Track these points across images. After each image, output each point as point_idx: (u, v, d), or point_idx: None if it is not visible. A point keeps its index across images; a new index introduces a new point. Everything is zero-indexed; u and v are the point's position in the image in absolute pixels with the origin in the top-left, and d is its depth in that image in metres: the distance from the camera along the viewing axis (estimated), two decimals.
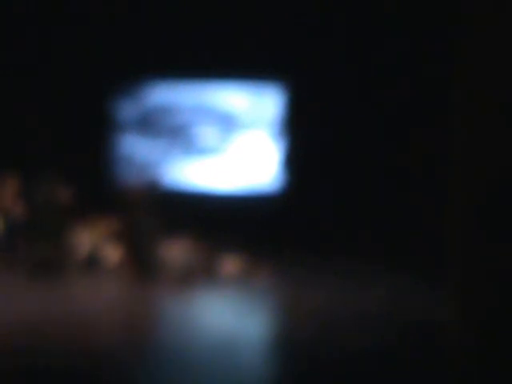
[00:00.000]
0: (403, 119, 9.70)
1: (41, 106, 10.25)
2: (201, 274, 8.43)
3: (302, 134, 10.80)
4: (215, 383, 4.93)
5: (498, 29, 4.52)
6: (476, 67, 4.71)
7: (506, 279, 5.13)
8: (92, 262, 8.57)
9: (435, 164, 7.89)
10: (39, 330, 6.00)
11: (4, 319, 6.30)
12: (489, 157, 5.04)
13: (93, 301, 7.36)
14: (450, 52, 4.96)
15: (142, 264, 8.31)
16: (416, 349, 5.62)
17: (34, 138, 10.16)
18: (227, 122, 11.03)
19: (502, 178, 5.04)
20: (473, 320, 5.33)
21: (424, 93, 9.03)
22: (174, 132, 11.03)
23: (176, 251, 8.52)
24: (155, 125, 11.04)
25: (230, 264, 8.61)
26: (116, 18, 10.30)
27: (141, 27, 10.37)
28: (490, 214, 5.13)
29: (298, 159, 10.82)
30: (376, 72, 10.02)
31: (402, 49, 9.63)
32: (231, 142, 11.01)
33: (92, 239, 8.72)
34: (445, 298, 5.91)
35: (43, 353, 5.43)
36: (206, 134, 11.02)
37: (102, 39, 10.40)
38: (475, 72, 4.74)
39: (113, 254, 8.63)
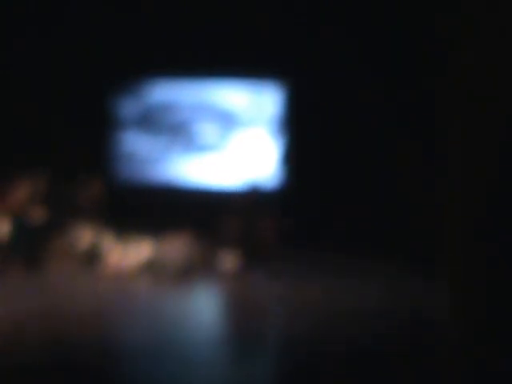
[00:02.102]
0: (403, 117, 9.68)
1: (41, 104, 10.22)
2: (200, 269, 8.42)
3: (301, 131, 10.80)
4: (213, 378, 4.89)
5: (497, 28, 4.47)
6: (476, 66, 4.65)
7: (506, 278, 5.08)
8: (92, 259, 8.55)
9: (435, 162, 7.83)
10: (37, 327, 5.97)
11: (3, 316, 6.28)
12: (489, 156, 4.99)
13: (92, 297, 7.34)
14: (451, 51, 4.89)
15: None
16: (415, 347, 5.60)
17: (35, 136, 10.13)
18: (227, 120, 11.02)
19: (502, 178, 4.99)
20: (473, 319, 5.28)
21: (424, 92, 8.98)
22: (175, 129, 11.03)
23: (175, 247, 8.51)
24: (156, 122, 11.04)
25: (229, 260, 8.59)
26: (116, 16, 10.27)
27: (141, 25, 10.36)
28: (490, 213, 5.08)
29: (297, 157, 10.81)
30: (376, 70, 9.99)
31: (402, 47, 9.60)
32: (231, 139, 11.01)
33: (93, 236, 8.70)
34: (444, 297, 5.86)
35: (43, 349, 5.41)
36: (206, 131, 11.02)
37: (102, 37, 10.38)
38: (475, 71, 4.69)
39: (114, 250, 8.62)
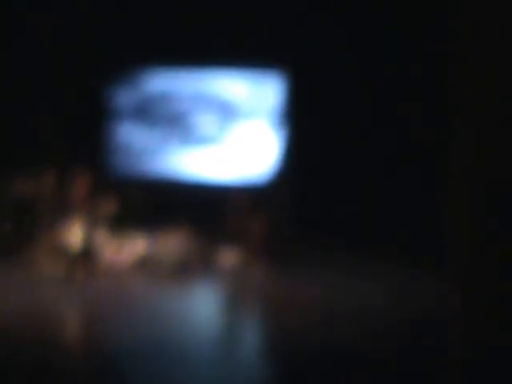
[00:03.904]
0: (405, 113, 9.70)
1: (37, 94, 10.26)
2: (198, 265, 8.45)
3: (302, 123, 10.79)
4: (212, 376, 4.96)
5: (496, 29, 4.54)
6: (476, 67, 4.74)
7: (507, 278, 5.19)
8: (87, 252, 8.58)
9: (436, 162, 7.91)
10: (30, 325, 6.04)
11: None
12: (489, 156, 5.09)
13: (88, 292, 7.40)
14: (451, 51, 4.98)
15: None
16: (416, 346, 5.65)
17: (33, 128, 10.18)
18: (226, 111, 11.02)
19: (503, 178, 5.09)
20: (473, 318, 5.39)
21: (425, 89, 9.03)
22: (172, 120, 11.03)
23: (173, 242, 8.54)
24: (153, 113, 11.04)
25: (228, 256, 8.63)
26: (113, 5, 10.29)
27: (138, 14, 10.36)
28: (490, 213, 5.18)
29: (298, 149, 10.81)
30: (377, 62, 10.01)
31: (403, 40, 9.62)
32: (230, 131, 11.01)
33: (88, 228, 8.74)
34: (446, 297, 5.96)
35: (39, 344, 5.48)
36: (205, 122, 11.02)
37: (99, 27, 10.39)
38: (475, 72, 4.77)
39: (109, 246, 8.66)
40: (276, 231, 9.54)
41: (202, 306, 7.21)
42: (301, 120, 10.81)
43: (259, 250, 8.81)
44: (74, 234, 8.27)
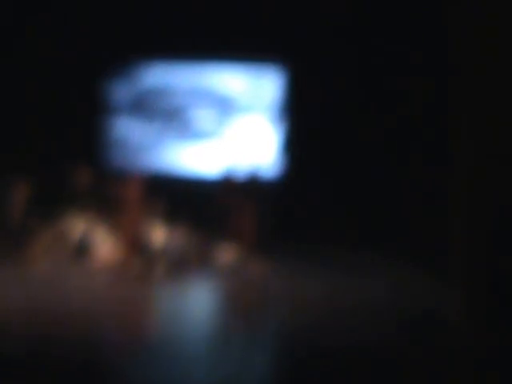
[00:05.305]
0: (404, 104, 9.73)
1: (34, 88, 10.28)
2: (196, 262, 8.48)
3: (301, 117, 10.81)
4: (211, 372, 5.02)
5: (498, 29, 4.59)
6: (481, 72, 4.79)
7: (507, 278, 5.25)
8: (83, 248, 8.61)
9: (437, 163, 7.96)
10: (26, 322, 6.08)
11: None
12: (489, 157, 5.15)
13: (84, 288, 7.45)
14: (452, 50, 5.02)
15: None
16: (417, 345, 5.69)
17: (30, 123, 10.21)
18: (224, 105, 11.05)
19: (503, 178, 5.16)
20: (473, 318, 5.45)
21: (425, 88, 9.06)
22: (170, 115, 11.06)
23: (170, 239, 8.56)
24: (150, 107, 11.06)
25: (226, 252, 8.66)
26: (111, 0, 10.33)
27: (136, 7, 10.38)
28: (491, 213, 5.24)
29: (297, 144, 10.84)
30: (377, 57, 10.03)
31: (402, 37, 9.66)
32: (228, 125, 11.03)
33: (84, 224, 8.77)
34: (447, 295, 6.01)
35: (32, 340, 5.54)
36: (203, 117, 11.05)
37: (96, 19, 10.41)
38: (481, 77, 4.82)
39: (104, 239, 8.68)
40: (274, 227, 9.57)
41: (200, 302, 7.24)
42: (301, 114, 10.83)
43: (257, 246, 8.82)
44: (153, 233, 8.35)
